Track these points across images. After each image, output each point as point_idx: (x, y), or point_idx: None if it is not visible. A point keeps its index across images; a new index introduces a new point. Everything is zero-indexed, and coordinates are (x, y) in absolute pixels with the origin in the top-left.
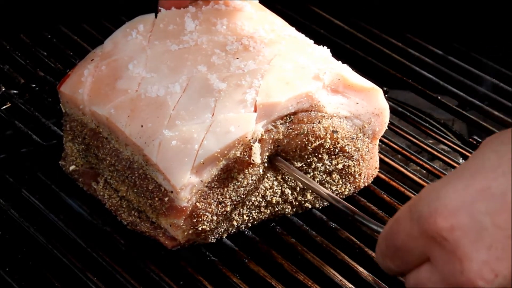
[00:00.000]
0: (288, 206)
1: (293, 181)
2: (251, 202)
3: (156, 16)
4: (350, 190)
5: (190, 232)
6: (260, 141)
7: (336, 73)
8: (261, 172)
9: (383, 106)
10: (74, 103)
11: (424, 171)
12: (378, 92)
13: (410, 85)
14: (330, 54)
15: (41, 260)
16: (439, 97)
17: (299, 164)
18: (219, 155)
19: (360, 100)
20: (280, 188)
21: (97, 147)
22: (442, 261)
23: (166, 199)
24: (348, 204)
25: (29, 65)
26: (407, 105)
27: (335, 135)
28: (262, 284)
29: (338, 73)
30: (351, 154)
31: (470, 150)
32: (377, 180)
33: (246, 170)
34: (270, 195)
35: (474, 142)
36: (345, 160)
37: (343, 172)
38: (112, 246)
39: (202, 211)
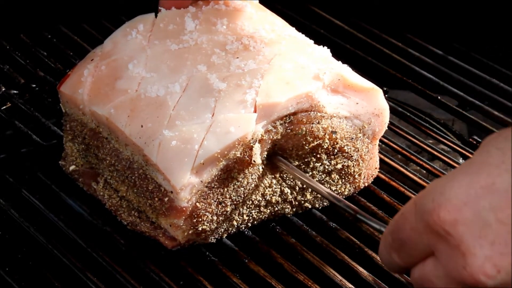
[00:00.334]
0: (288, 206)
1: (292, 180)
2: (251, 201)
3: (156, 16)
4: (350, 190)
5: (190, 232)
6: (260, 141)
7: (336, 73)
8: (261, 170)
9: (383, 106)
10: (74, 103)
11: (424, 171)
12: (378, 92)
13: (410, 85)
14: (330, 54)
15: (41, 260)
16: (439, 97)
17: (297, 163)
18: (219, 156)
19: (360, 100)
20: (279, 187)
21: (97, 147)
22: (446, 256)
23: (166, 199)
24: (349, 203)
25: (29, 65)
26: (407, 105)
27: (334, 135)
28: (262, 284)
29: (338, 73)
30: (350, 154)
31: (470, 150)
32: (377, 180)
33: (246, 170)
34: (270, 194)
35: (474, 142)
36: (344, 160)
37: (343, 172)
38: (112, 246)
39: (202, 211)
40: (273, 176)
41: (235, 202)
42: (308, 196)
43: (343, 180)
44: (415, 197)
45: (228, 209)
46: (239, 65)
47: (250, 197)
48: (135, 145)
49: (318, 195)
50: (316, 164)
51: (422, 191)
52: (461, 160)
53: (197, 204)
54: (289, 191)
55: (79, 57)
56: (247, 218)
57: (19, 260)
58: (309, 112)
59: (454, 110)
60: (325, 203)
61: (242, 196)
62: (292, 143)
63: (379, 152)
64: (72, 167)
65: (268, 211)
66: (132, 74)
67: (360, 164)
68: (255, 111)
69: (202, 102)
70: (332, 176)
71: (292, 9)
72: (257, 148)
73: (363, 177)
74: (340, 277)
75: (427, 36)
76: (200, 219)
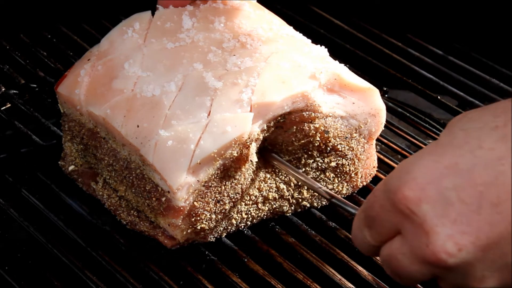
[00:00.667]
0: (286, 204)
1: (285, 175)
2: (248, 197)
3: (153, 14)
4: (348, 189)
5: (189, 231)
6: (256, 140)
7: (332, 73)
8: (255, 166)
9: (380, 106)
10: (71, 103)
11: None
12: (374, 92)
13: (410, 85)
14: (328, 54)
15: (41, 260)
16: (439, 97)
17: (287, 158)
18: (215, 155)
19: (356, 100)
20: (274, 182)
21: (95, 147)
22: (411, 234)
23: (163, 199)
24: (326, 189)
25: (29, 65)
26: (407, 105)
27: (325, 134)
28: (262, 283)
29: (335, 72)
30: (344, 153)
31: None
32: (376, 180)
33: (243, 167)
34: (266, 190)
35: None
36: (338, 158)
37: (337, 170)
38: (112, 245)
39: (200, 210)
40: (266, 170)
41: (233, 200)
42: (305, 194)
43: (339, 179)
44: (386, 177)
45: (227, 206)
46: (236, 62)
47: (248, 192)
48: (132, 145)
49: (315, 193)
50: (308, 160)
51: (392, 171)
52: None
53: (195, 203)
54: (284, 187)
55: (79, 57)
56: (245, 216)
57: (19, 260)
58: (304, 112)
59: (454, 110)
60: (324, 202)
61: (240, 192)
62: (282, 139)
63: (379, 152)
64: (71, 167)
65: (266, 208)
66: (128, 74)
67: (356, 163)
68: (251, 110)
69: (198, 101)
70: (327, 174)
71: (292, 9)
72: (253, 148)
73: (360, 176)
74: (339, 276)
75: (427, 36)
76: (199, 218)
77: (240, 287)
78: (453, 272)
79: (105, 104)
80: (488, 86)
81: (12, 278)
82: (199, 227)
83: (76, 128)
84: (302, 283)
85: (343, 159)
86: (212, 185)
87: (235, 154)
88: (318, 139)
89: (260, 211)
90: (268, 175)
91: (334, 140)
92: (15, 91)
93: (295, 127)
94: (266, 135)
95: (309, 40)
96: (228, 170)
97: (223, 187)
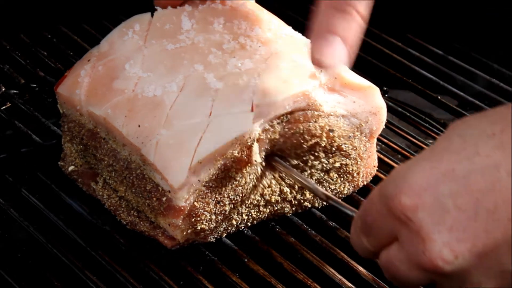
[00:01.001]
0: (288, 205)
1: (290, 179)
2: (249, 201)
3: (152, 16)
4: (349, 189)
5: (189, 231)
6: (257, 140)
7: (332, 72)
8: (259, 171)
9: (380, 104)
10: (71, 103)
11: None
12: (375, 91)
13: (410, 85)
14: None
15: (41, 260)
16: (439, 97)
17: (295, 162)
18: (216, 155)
19: (357, 99)
20: (279, 186)
21: (95, 147)
22: (407, 241)
23: (164, 199)
24: (323, 191)
25: (29, 65)
26: (407, 105)
27: (331, 133)
28: (262, 283)
29: (335, 71)
30: (348, 152)
31: None
32: (377, 180)
33: (244, 169)
34: (269, 194)
35: None
36: (342, 158)
37: (341, 170)
38: (112, 245)
39: (200, 210)
40: (272, 176)
41: (233, 202)
42: (308, 195)
43: (342, 179)
44: (381, 182)
45: (227, 208)
46: (236, 64)
47: (249, 197)
48: (133, 145)
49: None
50: (315, 162)
51: (387, 177)
52: None
53: (195, 203)
54: (288, 190)
55: (79, 57)
56: (246, 217)
57: (19, 260)
58: (306, 111)
59: (454, 110)
60: (325, 203)
61: (241, 195)
62: (291, 142)
63: (379, 152)
64: (71, 168)
65: (268, 210)
66: (129, 74)
67: (358, 162)
68: (252, 110)
69: (199, 102)
70: (331, 174)
71: (292, 9)
72: (256, 147)
73: (361, 175)
74: (339, 276)
75: (427, 36)
76: (199, 219)
77: (240, 287)
78: (450, 278)
79: (106, 104)
80: (488, 86)
81: (12, 278)
82: (199, 228)
83: (75, 128)
84: (302, 283)
85: (347, 159)
86: (213, 186)
87: (236, 154)
88: (325, 139)
89: (261, 213)
90: (274, 181)
91: (339, 140)
92: (15, 91)
93: (301, 126)
94: (273, 137)
95: (309, 40)
96: (229, 170)
97: (223, 188)
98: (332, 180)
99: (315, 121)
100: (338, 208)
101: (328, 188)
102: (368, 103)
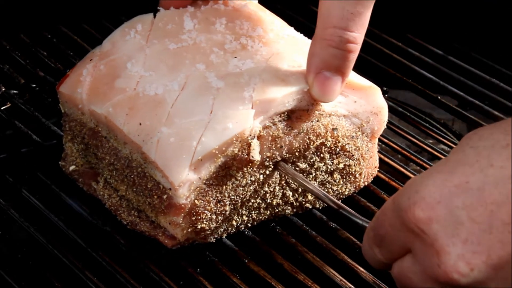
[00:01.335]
0: (289, 207)
1: (295, 183)
2: (250, 203)
3: (154, 16)
4: (350, 190)
5: (189, 230)
6: (259, 138)
7: None
8: (263, 177)
9: (381, 104)
10: (73, 102)
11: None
12: (376, 91)
13: (410, 85)
14: None
15: (41, 260)
16: (439, 97)
17: (304, 166)
18: (217, 152)
19: (358, 99)
20: (282, 190)
21: (96, 146)
22: (421, 253)
23: (164, 196)
24: (333, 199)
25: (29, 65)
26: (407, 105)
27: (335, 132)
28: (262, 284)
29: None
30: (351, 153)
31: None
32: (377, 180)
33: (245, 169)
34: (271, 198)
35: None
36: (346, 159)
37: (344, 171)
38: (112, 246)
39: (201, 209)
40: (277, 183)
41: (234, 202)
42: (309, 197)
43: (344, 180)
44: (395, 194)
45: (227, 208)
46: (237, 64)
47: (250, 200)
48: (134, 143)
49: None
50: (320, 164)
51: (400, 189)
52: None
53: (196, 201)
54: (290, 193)
55: (79, 57)
56: (246, 218)
57: (19, 260)
58: (307, 110)
59: (454, 110)
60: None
61: (241, 196)
62: (297, 144)
63: (379, 151)
64: (72, 167)
65: (268, 212)
66: (130, 73)
67: (361, 163)
68: (252, 108)
69: (201, 100)
70: (334, 176)
71: (293, 9)
72: (255, 144)
73: (363, 176)
74: (340, 277)
75: (427, 36)
76: (199, 217)
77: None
78: None
79: (107, 102)
80: (488, 86)
81: (13, 279)
82: (199, 227)
83: (77, 127)
84: (303, 284)
85: (350, 160)
86: (214, 184)
87: (237, 151)
88: (330, 138)
89: (262, 215)
90: (278, 187)
91: (343, 140)
92: (15, 91)
93: (304, 125)
94: (275, 134)
95: (310, 41)
96: (229, 168)
97: (224, 187)
98: (335, 181)
99: (318, 120)
100: (350, 218)
101: (330, 190)
102: (369, 103)
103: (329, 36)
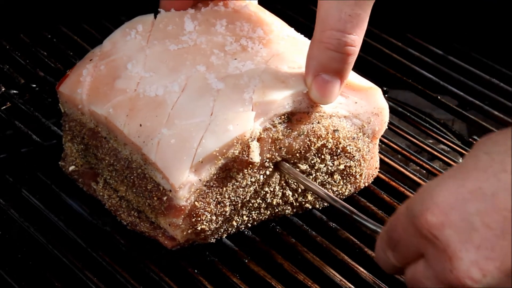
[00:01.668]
0: (289, 207)
1: (295, 183)
2: (250, 204)
3: (155, 17)
4: (350, 190)
5: (189, 231)
6: (259, 140)
7: None
8: (263, 178)
9: (382, 105)
10: (73, 103)
11: (424, 171)
12: (376, 92)
13: (410, 85)
14: None
15: (41, 260)
16: (439, 97)
17: (304, 167)
18: (217, 154)
19: (358, 100)
20: (282, 190)
21: (96, 147)
22: (434, 259)
23: (164, 198)
24: (345, 204)
25: (29, 65)
26: (407, 105)
27: (336, 134)
28: (262, 284)
29: None
30: (352, 154)
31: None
32: (377, 180)
33: (245, 170)
34: (271, 198)
35: (474, 142)
36: (347, 160)
37: (345, 172)
38: (112, 246)
39: (201, 210)
40: (277, 182)
41: (234, 203)
42: (309, 197)
43: (345, 181)
44: (408, 199)
45: (227, 209)
46: (237, 66)
47: (250, 200)
48: (134, 144)
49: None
50: (320, 165)
51: (414, 194)
52: (461, 160)
53: (196, 203)
54: (291, 193)
55: (79, 57)
56: (246, 218)
57: (19, 260)
58: (307, 112)
59: (454, 110)
60: (326, 204)
61: (241, 197)
62: (298, 145)
63: (379, 152)
64: (71, 168)
65: (269, 212)
66: (131, 74)
67: (362, 164)
68: (252, 110)
69: (201, 102)
70: (334, 177)
71: (293, 9)
72: (255, 146)
73: (364, 177)
74: (340, 277)
75: (427, 36)
76: (199, 219)
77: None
78: None
79: (107, 103)
80: (488, 86)
81: (13, 279)
82: (199, 228)
83: (76, 128)
84: (303, 284)
85: (351, 161)
86: (214, 185)
87: (237, 153)
88: (331, 140)
89: (262, 215)
90: (278, 187)
91: (344, 141)
92: (15, 91)
93: (304, 127)
94: (275, 136)
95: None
96: (230, 170)
97: (224, 188)
98: (335, 182)
99: (318, 122)
100: (362, 223)
101: (330, 190)
102: (370, 104)
103: (327, 38)
